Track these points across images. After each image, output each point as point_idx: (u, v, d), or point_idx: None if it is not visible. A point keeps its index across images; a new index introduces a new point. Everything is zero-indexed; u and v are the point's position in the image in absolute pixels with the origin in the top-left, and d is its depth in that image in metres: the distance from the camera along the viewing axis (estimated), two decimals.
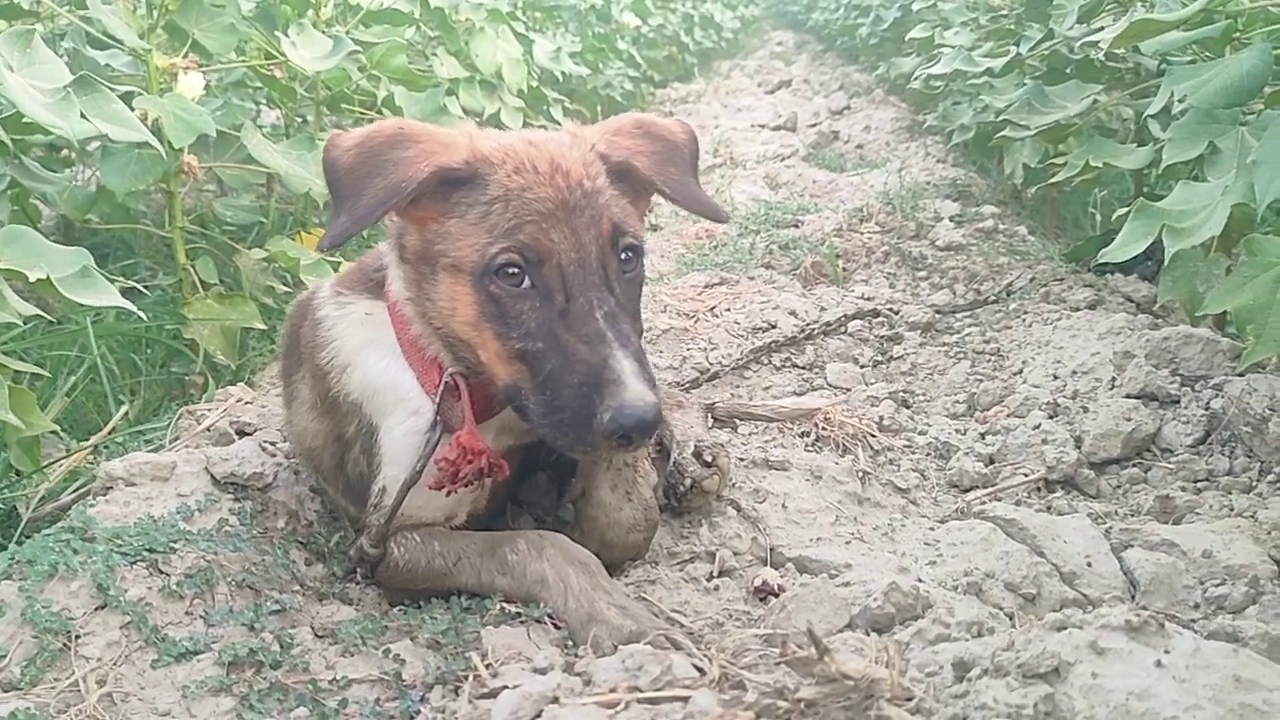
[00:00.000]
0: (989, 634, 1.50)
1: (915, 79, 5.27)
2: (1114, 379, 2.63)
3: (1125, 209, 2.40)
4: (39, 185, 3.16)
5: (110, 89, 2.22)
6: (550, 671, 1.38)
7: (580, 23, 7.54)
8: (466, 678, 1.50)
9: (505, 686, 1.35)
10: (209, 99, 3.34)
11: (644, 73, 9.38)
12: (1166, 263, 2.41)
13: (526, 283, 1.64)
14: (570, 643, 1.60)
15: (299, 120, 3.96)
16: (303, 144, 3.39)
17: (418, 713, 1.48)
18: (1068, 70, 3.68)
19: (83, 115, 2.13)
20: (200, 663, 1.63)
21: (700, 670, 1.31)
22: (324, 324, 1.97)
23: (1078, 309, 3.25)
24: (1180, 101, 2.36)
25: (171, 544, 1.84)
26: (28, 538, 2.17)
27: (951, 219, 4.51)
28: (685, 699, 1.19)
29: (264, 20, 3.52)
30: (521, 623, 1.63)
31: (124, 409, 2.63)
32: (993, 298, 3.57)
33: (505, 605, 1.68)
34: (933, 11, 6.05)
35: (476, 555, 1.79)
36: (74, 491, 2.31)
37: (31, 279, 1.87)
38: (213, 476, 2.10)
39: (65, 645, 1.62)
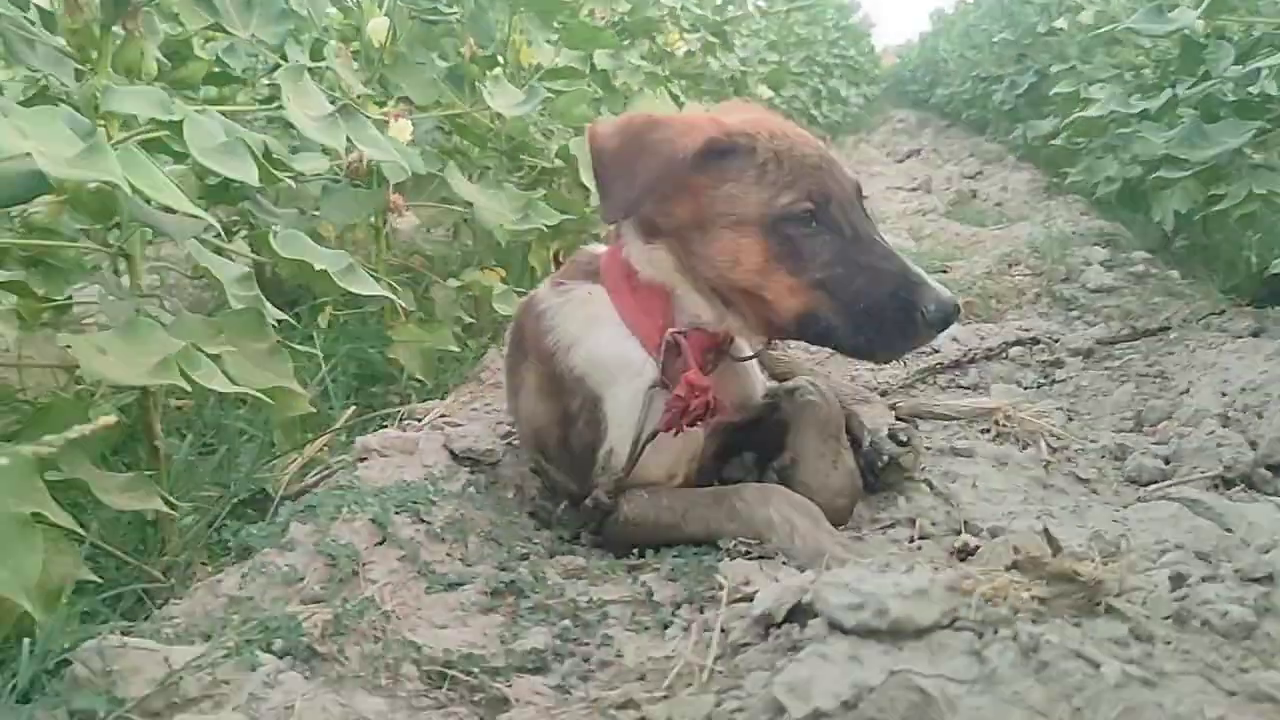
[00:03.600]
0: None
1: (1062, 131, 5.38)
2: None
3: None
4: (270, 219, 3.56)
5: (367, 116, 2.54)
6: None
7: (717, 94, 7.87)
8: (712, 598, 1.69)
9: (758, 591, 1.53)
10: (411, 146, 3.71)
11: None
12: None
13: (815, 223, 1.89)
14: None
15: (483, 169, 4.32)
16: (491, 185, 3.76)
17: (670, 623, 1.67)
18: (1221, 114, 3.78)
19: (348, 139, 2.46)
20: (466, 591, 1.85)
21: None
22: (547, 313, 2.19)
23: (1241, 336, 3.32)
24: None
25: (430, 499, 2.09)
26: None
27: (1101, 264, 4.61)
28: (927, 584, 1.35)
29: (453, 80, 3.92)
30: (755, 558, 1.82)
31: (350, 409, 2.93)
32: (1153, 329, 3.65)
33: (737, 544, 1.87)
34: (1071, 73, 6.20)
35: (704, 506, 1.98)
36: (317, 474, 2.59)
37: (316, 269, 2.15)
38: (451, 451, 2.36)
39: (354, 571, 1.87)
